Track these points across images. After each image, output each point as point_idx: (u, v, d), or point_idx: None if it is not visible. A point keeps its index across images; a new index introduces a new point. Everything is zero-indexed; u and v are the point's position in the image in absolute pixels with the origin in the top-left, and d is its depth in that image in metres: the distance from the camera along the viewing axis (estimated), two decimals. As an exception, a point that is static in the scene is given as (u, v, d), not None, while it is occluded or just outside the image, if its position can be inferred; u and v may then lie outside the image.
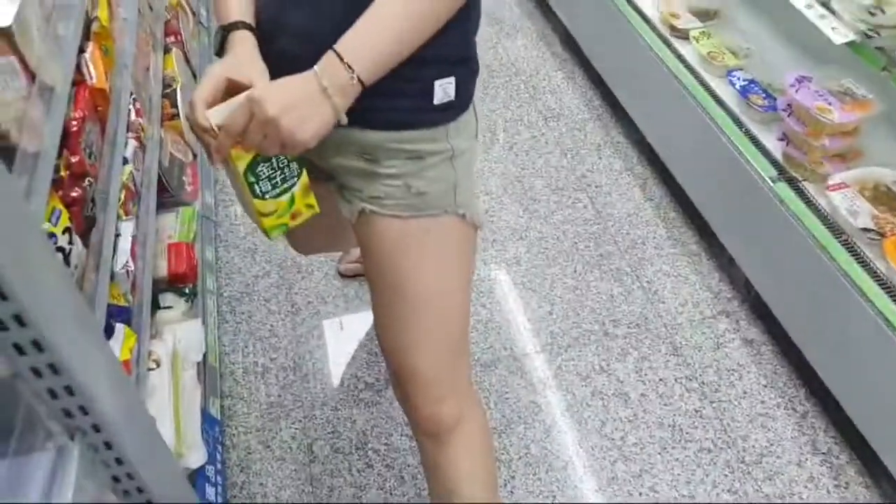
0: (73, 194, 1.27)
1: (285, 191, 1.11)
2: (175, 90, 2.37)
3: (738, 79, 2.24)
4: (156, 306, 1.90)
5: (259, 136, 0.98)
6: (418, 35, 1.00)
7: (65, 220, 1.22)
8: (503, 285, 2.31)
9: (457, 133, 1.15)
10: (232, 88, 1.02)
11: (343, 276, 2.36)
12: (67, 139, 1.32)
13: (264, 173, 1.07)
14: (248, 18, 1.10)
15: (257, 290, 2.32)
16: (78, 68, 1.48)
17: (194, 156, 2.46)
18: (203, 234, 2.22)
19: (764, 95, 2.17)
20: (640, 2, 2.76)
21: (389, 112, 1.09)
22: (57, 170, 1.27)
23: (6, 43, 1.09)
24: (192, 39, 2.88)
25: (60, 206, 1.23)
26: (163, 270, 1.97)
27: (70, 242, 1.23)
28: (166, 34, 2.58)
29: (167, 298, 1.93)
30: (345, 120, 1.00)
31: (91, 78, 1.47)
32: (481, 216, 1.26)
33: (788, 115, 1.97)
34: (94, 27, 1.57)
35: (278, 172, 1.09)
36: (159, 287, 1.93)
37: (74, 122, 1.35)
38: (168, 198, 2.20)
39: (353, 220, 1.23)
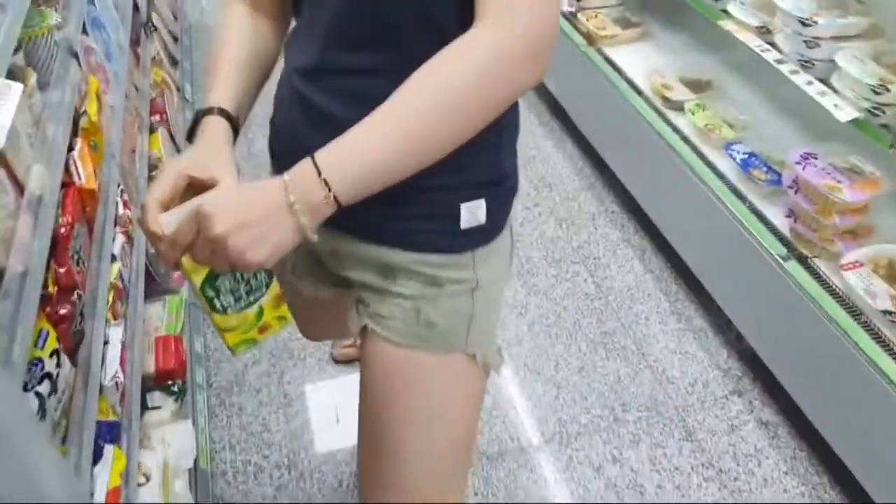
0: (62, 311, 1.17)
1: (251, 304, 0.98)
2: (161, 172, 2.29)
3: (738, 152, 2.22)
4: (143, 406, 1.78)
5: (206, 252, 0.85)
6: (416, 159, 0.85)
7: (52, 343, 1.12)
8: (506, 368, 2.22)
9: (485, 260, 1.02)
10: (195, 185, 0.90)
11: (337, 361, 2.25)
12: (55, 248, 1.23)
13: (225, 287, 0.94)
14: (229, 105, 0.99)
15: (248, 380, 2.21)
16: (66, 167, 1.39)
17: (180, 238, 2.36)
18: (191, 323, 2.12)
19: (766, 169, 2.14)
20: (630, 72, 2.76)
21: (412, 233, 0.99)
22: (44, 284, 1.18)
23: (-7, 158, 1.02)
24: (177, 115, 2.82)
25: (48, 327, 1.13)
26: (150, 367, 1.85)
27: (58, 365, 1.13)
28: (152, 113, 2.52)
29: (155, 398, 1.81)
30: (313, 239, 0.86)
31: (80, 178, 1.38)
32: (496, 359, 1.10)
33: (795, 192, 1.94)
34: (83, 122, 1.49)
35: (242, 284, 0.96)
36: (147, 385, 1.81)
37: (63, 229, 1.26)
38: (155, 286, 2.10)
39: (356, 335, 1.11)
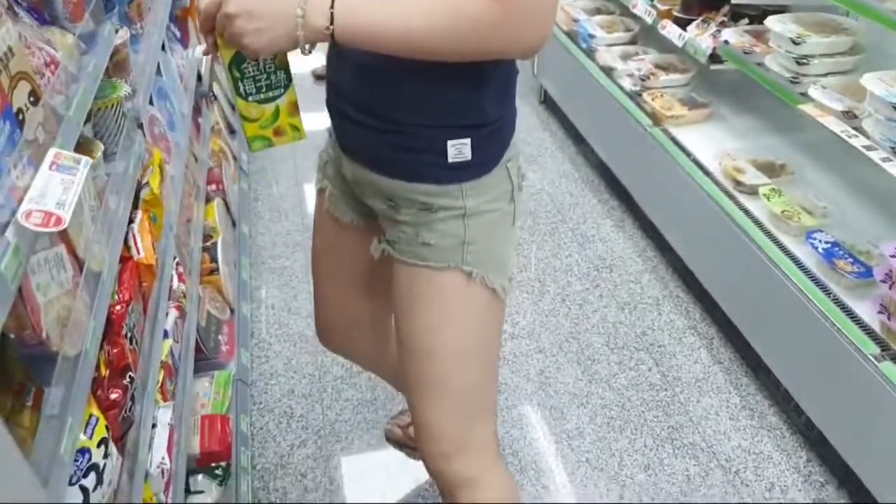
0: (113, 396, 1.10)
1: (269, 99, 1.11)
2: (216, 243, 2.25)
3: (820, 241, 2.09)
4: (186, 490, 1.68)
5: (221, 26, 1.01)
6: (402, 47, 1.00)
7: (101, 430, 1.04)
8: (567, 463, 2.08)
9: (476, 193, 1.15)
10: None
11: (388, 439, 2.13)
12: (110, 327, 1.16)
13: (249, 72, 1.08)
14: None
15: (293, 463, 2.10)
16: (124, 240, 1.34)
17: (231, 311, 2.31)
18: (238, 402, 2.03)
19: (852, 261, 2.01)
20: (698, 153, 2.68)
21: (405, 164, 1.13)
22: (96, 365, 1.10)
23: (56, 233, 0.96)
24: (232, 185, 2.81)
25: (97, 413, 1.05)
26: (195, 447, 1.76)
27: (105, 455, 1.04)
28: (208, 182, 2.50)
29: (198, 482, 1.72)
30: (307, 52, 1.03)
31: (139, 252, 1.33)
32: (504, 283, 1.22)
33: (890, 287, 1.79)
34: (144, 194, 1.45)
35: (263, 76, 1.09)
36: (190, 466, 1.72)
37: (119, 307, 1.19)
38: (203, 359, 2.03)
39: (376, 258, 1.28)
